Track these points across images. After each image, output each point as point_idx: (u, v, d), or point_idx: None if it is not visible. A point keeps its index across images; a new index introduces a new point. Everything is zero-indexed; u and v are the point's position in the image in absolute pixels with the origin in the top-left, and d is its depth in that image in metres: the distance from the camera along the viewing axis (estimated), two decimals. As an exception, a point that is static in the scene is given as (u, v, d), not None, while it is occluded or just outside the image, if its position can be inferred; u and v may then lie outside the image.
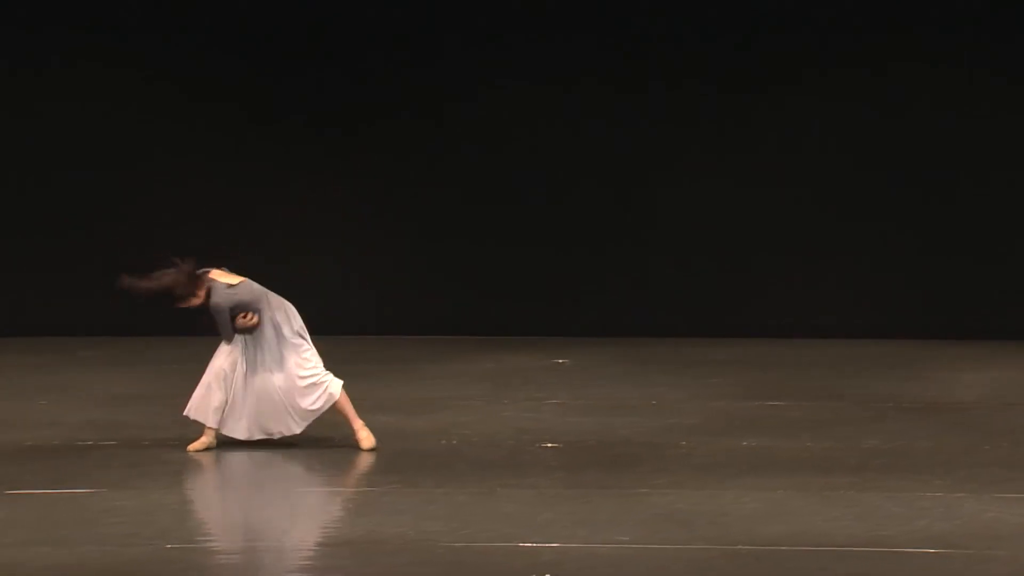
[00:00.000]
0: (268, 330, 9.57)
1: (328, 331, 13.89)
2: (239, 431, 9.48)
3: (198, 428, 9.68)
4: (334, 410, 9.60)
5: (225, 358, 9.55)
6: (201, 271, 9.55)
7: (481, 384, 11.93)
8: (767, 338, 13.99)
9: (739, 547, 7.61)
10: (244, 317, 9.52)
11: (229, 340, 9.52)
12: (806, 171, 14.23)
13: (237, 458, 9.39)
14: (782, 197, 14.23)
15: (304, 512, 8.18)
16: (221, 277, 9.58)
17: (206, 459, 9.35)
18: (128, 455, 9.41)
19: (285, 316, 9.65)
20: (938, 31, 13.91)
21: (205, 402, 9.52)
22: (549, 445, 9.82)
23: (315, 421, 9.97)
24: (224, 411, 9.48)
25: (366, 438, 9.54)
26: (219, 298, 9.45)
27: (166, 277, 9.43)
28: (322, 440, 9.88)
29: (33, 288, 14.06)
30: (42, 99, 14.03)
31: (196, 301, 9.48)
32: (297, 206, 14.21)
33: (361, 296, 14.17)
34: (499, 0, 14.12)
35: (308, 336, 9.74)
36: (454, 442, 9.78)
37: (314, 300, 14.12)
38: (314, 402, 9.56)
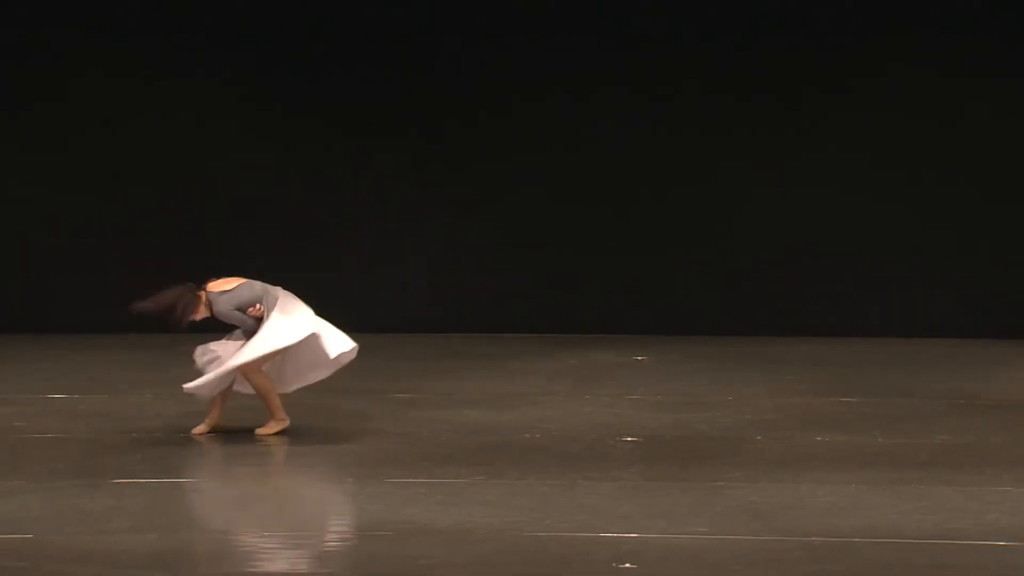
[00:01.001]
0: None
1: (417, 329, 14.09)
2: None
3: (299, 421, 9.80)
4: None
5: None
6: (197, 287, 9.83)
7: (563, 380, 11.99)
8: (841, 336, 13.95)
9: (813, 539, 7.63)
10: (253, 309, 9.75)
11: (254, 331, 9.76)
12: (878, 171, 14.17)
13: (324, 449, 9.51)
14: (858, 197, 14.18)
15: (395, 502, 8.27)
16: (217, 287, 9.83)
17: (294, 450, 9.47)
18: (226, 446, 9.55)
19: (290, 298, 9.87)
20: (1014, 38, 13.85)
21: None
22: (628, 439, 9.88)
23: (406, 416, 10.09)
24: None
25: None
26: (220, 305, 9.74)
27: (168, 296, 9.74)
28: (411, 432, 9.98)
29: (141, 285, 14.23)
30: (138, 109, 14.19)
31: (199, 316, 9.80)
32: (384, 209, 14.31)
33: (448, 296, 14.26)
34: (573, 5, 14.16)
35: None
36: (537, 436, 9.85)
37: (402, 300, 14.35)
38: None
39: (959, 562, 7.35)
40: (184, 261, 13.97)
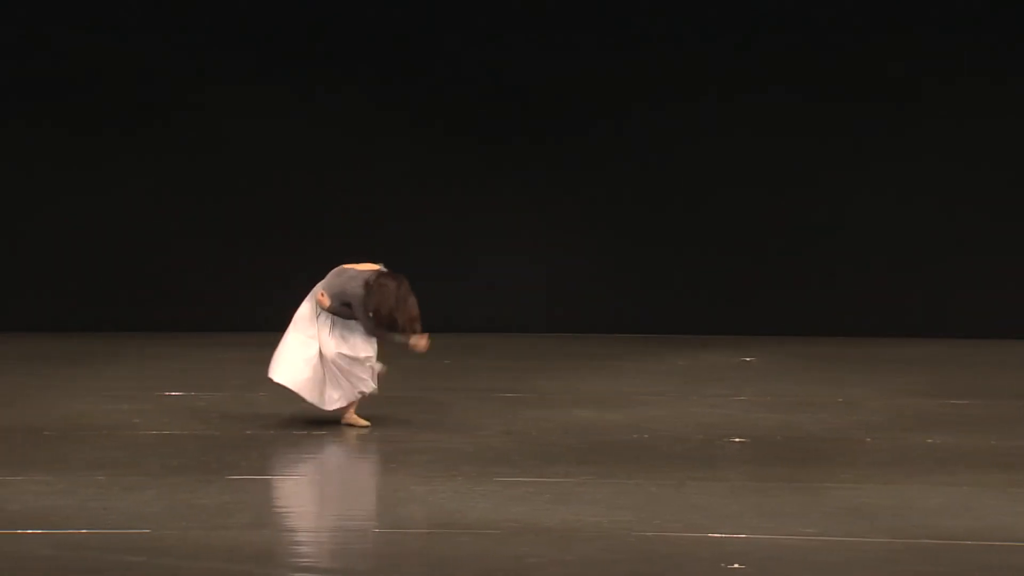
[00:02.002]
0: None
1: (529, 329, 14.12)
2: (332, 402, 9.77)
3: (409, 418, 9.84)
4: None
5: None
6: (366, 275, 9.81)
7: (672, 380, 11.95)
8: (955, 338, 13.80)
9: (922, 541, 7.55)
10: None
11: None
12: (994, 174, 14.01)
13: (434, 447, 9.55)
14: (970, 199, 14.03)
15: (506, 501, 8.29)
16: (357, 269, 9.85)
17: (405, 447, 9.53)
18: (339, 444, 9.62)
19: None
20: None
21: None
22: (737, 440, 9.83)
23: (516, 416, 10.11)
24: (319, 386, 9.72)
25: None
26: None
27: (383, 309, 9.64)
28: (520, 432, 10.00)
29: (263, 286, 14.42)
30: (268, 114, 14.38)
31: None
32: (495, 211, 14.36)
33: (560, 297, 14.29)
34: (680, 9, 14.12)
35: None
36: (645, 436, 9.83)
37: (513, 301, 14.38)
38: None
39: (1072, 566, 7.24)
40: (301, 261, 14.12)
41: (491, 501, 8.23)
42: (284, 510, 8.09)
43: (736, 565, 7.12)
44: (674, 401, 10.98)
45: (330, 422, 10.22)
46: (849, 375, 12.22)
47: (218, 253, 14.44)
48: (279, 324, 14.29)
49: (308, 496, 8.36)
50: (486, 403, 11.01)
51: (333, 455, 9.34)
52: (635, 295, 14.27)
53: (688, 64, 14.07)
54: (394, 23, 14.20)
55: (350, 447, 9.55)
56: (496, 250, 14.29)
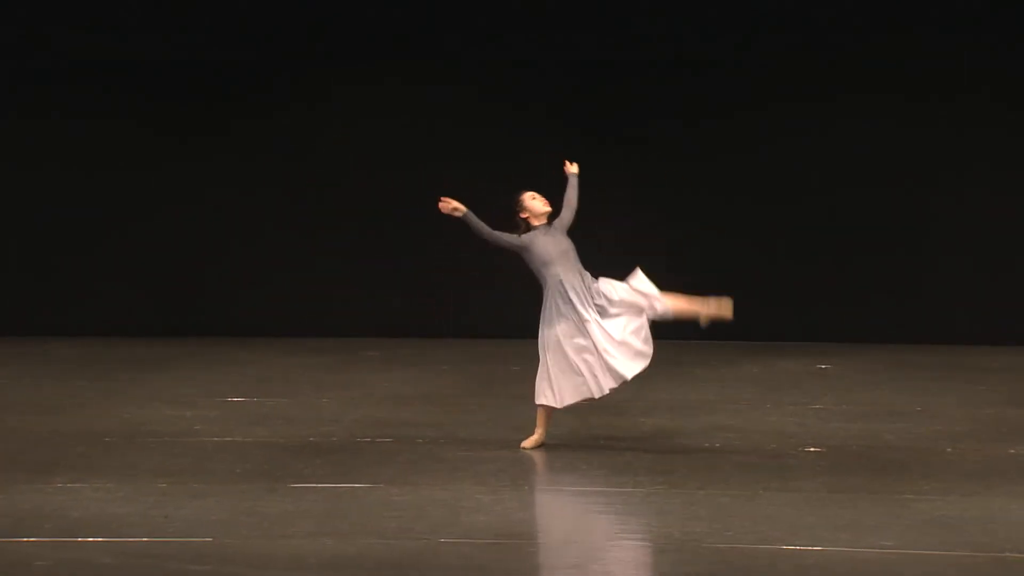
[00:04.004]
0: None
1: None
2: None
3: (475, 427, 9.78)
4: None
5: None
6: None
7: (747, 388, 11.83)
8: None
9: (1007, 554, 7.39)
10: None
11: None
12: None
13: (502, 456, 9.47)
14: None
15: (574, 511, 8.21)
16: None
17: (471, 456, 9.46)
18: (404, 452, 9.57)
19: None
20: None
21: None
22: (813, 449, 9.69)
23: (586, 424, 10.01)
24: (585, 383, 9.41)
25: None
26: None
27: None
28: (590, 440, 9.91)
29: (321, 291, 14.44)
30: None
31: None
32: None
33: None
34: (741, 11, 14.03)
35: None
36: (718, 445, 9.72)
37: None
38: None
39: None
40: (364, 267, 14.07)
41: (559, 511, 8.14)
42: (347, 519, 8.04)
43: (811, 579, 7.00)
44: (748, 409, 10.86)
45: (400, 431, 10.17)
46: (928, 383, 12.05)
47: (278, 258, 14.46)
48: (341, 329, 14.40)
49: (372, 505, 8.31)
50: (556, 412, 10.91)
51: (399, 464, 9.28)
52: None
53: (776, 70, 13.97)
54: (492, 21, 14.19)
55: (416, 455, 9.49)
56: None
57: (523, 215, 9.51)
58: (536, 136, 14.12)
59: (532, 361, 13.49)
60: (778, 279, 14.09)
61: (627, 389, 11.80)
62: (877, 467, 9.20)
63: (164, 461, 9.29)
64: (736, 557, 7.44)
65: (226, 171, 14.47)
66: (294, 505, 8.26)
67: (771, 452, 9.59)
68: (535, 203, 9.52)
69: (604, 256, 14.19)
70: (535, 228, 9.50)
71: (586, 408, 11.00)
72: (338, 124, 14.41)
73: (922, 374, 12.46)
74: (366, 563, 7.29)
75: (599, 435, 10.05)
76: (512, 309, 14.33)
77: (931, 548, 7.49)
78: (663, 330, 14.18)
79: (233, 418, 10.60)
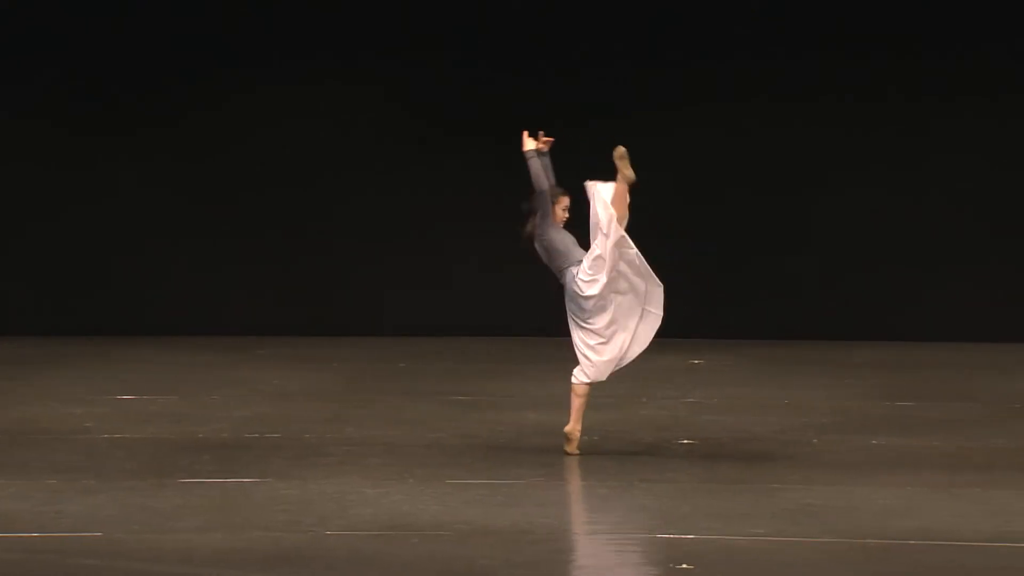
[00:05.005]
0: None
1: (484, 333, 14.05)
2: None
3: (361, 422, 9.77)
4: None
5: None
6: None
7: (623, 383, 11.90)
8: (899, 341, 13.84)
9: (869, 541, 7.54)
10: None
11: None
12: (946, 179, 14.07)
13: (386, 450, 9.49)
14: (916, 205, 14.07)
15: (455, 503, 8.24)
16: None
17: (357, 450, 9.46)
18: (291, 447, 9.56)
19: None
20: None
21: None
22: (686, 441, 9.81)
23: (467, 418, 10.05)
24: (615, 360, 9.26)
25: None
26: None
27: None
28: (472, 434, 9.95)
29: (217, 289, 14.33)
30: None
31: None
32: (447, 210, 14.30)
33: (513, 300, 14.23)
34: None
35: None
36: (595, 438, 9.80)
37: (467, 304, 14.31)
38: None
39: (1017, 564, 7.24)
40: (256, 266, 14.00)
41: (442, 503, 8.18)
42: (236, 513, 8.02)
43: (685, 565, 7.09)
44: (624, 403, 10.96)
45: (286, 427, 10.15)
46: (796, 378, 12.23)
47: (172, 256, 14.34)
48: (234, 328, 14.30)
49: (260, 499, 8.29)
50: (438, 406, 10.96)
51: (285, 457, 9.26)
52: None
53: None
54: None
55: (303, 449, 9.48)
56: (456, 255, 14.24)
57: (554, 204, 9.29)
58: (439, 142, 14.14)
59: (417, 359, 13.47)
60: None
61: (510, 384, 11.88)
62: (746, 458, 9.33)
63: (55, 458, 9.21)
64: (612, 546, 7.53)
65: (126, 172, 14.32)
66: (183, 500, 8.23)
67: (646, 445, 9.70)
68: (562, 211, 9.33)
69: (477, 263, 14.35)
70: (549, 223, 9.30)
71: (469, 404, 11.05)
72: (238, 129, 14.28)
73: (789, 369, 12.65)
74: (255, 556, 7.28)
75: (482, 430, 10.10)
76: (391, 307, 14.37)
77: (798, 535, 7.63)
78: (543, 327, 14.31)
79: (123, 416, 10.51)
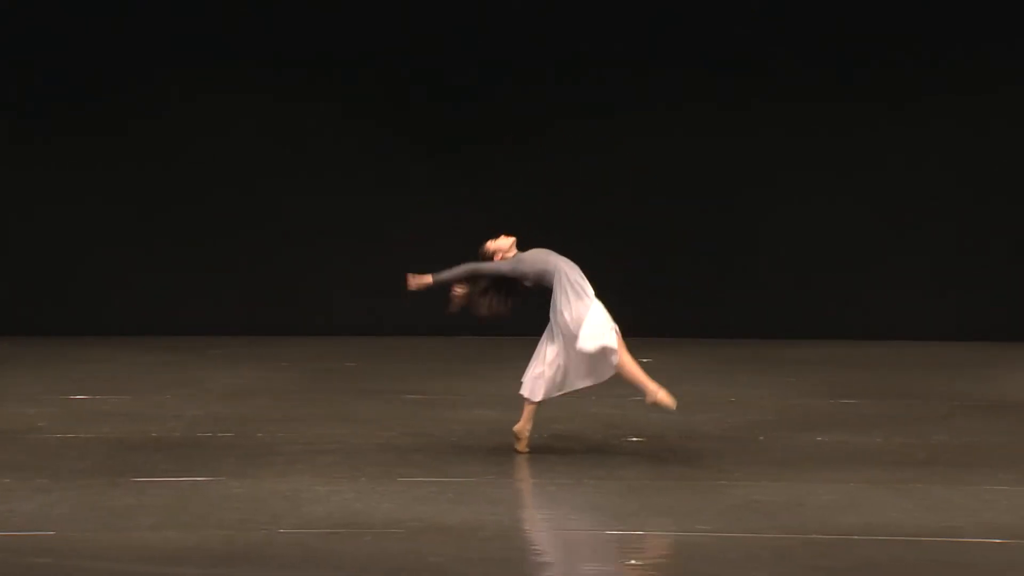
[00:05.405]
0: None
1: (438, 332, 14.06)
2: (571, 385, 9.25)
3: (314, 421, 9.76)
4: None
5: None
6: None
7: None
8: (842, 339, 13.94)
9: (814, 536, 7.61)
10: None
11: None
12: (885, 179, 14.19)
13: (339, 448, 9.49)
14: (861, 203, 14.18)
15: (406, 500, 8.26)
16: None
17: (309, 448, 9.46)
18: (244, 446, 9.55)
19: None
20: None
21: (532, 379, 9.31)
22: (633, 439, 9.86)
23: (419, 417, 10.06)
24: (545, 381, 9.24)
25: (664, 397, 9.18)
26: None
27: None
28: (423, 432, 9.97)
29: (171, 290, 14.29)
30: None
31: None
32: (399, 209, 14.30)
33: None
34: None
35: None
36: (545, 436, 9.84)
37: (420, 302, 14.32)
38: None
39: (957, 559, 7.32)
40: (210, 266, 13.96)
41: (394, 501, 8.19)
42: (189, 512, 8.01)
43: (632, 561, 7.14)
44: (573, 401, 11.00)
45: (239, 426, 10.14)
46: (742, 376, 12.30)
47: (125, 258, 14.29)
48: (188, 329, 14.26)
49: (213, 497, 8.28)
50: (390, 405, 10.97)
51: (238, 456, 9.25)
52: (537, 298, 14.27)
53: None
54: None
55: (256, 448, 9.48)
56: (407, 255, 14.26)
57: (497, 257, 9.40)
58: (389, 145, 14.15)
59: (369, 358, 13.48)
60: (601, 277, 14.25)
61: (461, 383, 11.89)
62: (694, 455, 9.39)
63: (7, 457, 9.16)
64: (560, 542, 7.56)
65: (80, 175, 14.25)
66: (136, 499, 8.21)
67: (595, 443, 9.74)
68: (500, 241, 9.37)
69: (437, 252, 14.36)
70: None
71: (417, 403, 11.06)
72: (190, 134, 14.25)
73: (735, 367, 12.72)
74: (209, 554, 7.27)
75: (434, 428, 10.12)
76: (342, 308, 14.37)
77: (745, 531, 7.68)
78: (495, 326, 14.35)
79: (76, 415, 10.47)
